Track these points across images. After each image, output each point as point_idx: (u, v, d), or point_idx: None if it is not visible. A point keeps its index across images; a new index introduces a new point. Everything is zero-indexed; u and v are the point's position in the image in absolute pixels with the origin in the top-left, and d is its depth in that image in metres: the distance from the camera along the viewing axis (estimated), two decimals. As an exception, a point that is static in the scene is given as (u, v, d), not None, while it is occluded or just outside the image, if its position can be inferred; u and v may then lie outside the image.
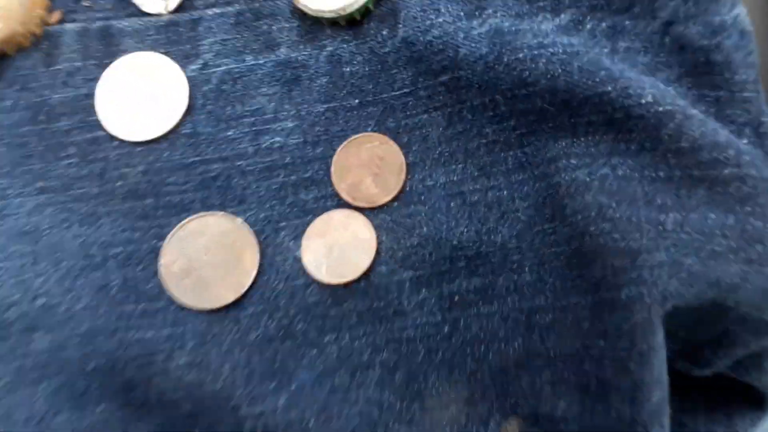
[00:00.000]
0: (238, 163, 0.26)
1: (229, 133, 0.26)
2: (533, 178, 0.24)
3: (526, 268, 0.24)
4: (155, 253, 0.26)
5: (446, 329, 0.25)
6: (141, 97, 0.27)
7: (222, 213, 0.27)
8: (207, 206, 0.27)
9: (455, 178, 0.25)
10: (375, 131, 0.26)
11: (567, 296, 0.23)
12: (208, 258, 0.29)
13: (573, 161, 0.26)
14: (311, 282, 0.25)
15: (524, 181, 0.24)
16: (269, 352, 0.25)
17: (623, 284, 0.21)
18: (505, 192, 0.25)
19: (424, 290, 0.25)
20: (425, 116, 0.26)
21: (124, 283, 0.25)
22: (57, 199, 0.24)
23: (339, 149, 0.29)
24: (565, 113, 0.23)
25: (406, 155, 0.26)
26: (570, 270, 0.23)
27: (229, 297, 0.26)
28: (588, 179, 0.22)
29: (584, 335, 0.23)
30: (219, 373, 0.24)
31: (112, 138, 0.26)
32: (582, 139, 0.26)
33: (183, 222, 0.29)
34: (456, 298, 0.25)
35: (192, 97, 0.26)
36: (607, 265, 0.21)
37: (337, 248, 0.28)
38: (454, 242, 0.24)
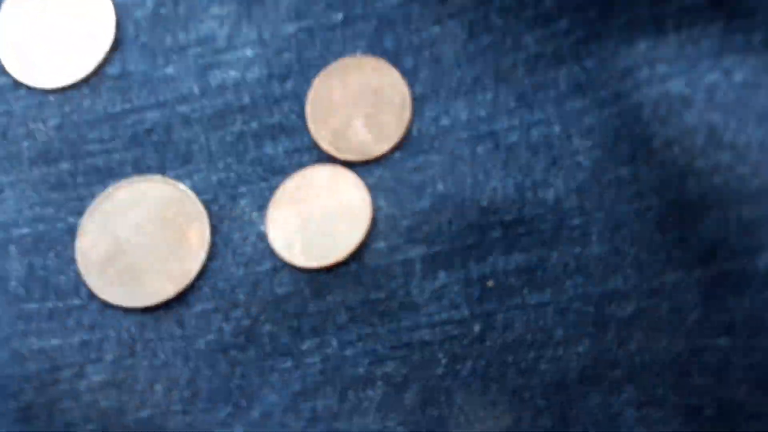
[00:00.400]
0: (181, 108, 0.20)
1: (169, 71, 0.21)
2: (599, 103, 0.17)
3: (594, 237, 0.17)
4: (72, 233, 0.21)
5: (476, 329, 0.18)
6: (53, 31, 0.22)
7: (161, 177, 0.21)
8: (141, 169, 0.21)
9: (483, 113, 0.18)
10: (367, 54, 0.20)
11: (661, 274, 0.15)
12: (141, 238, 0.21)
13: (661, 68, 0.17)
14: (281, 266, 0.20)
15: (585, 109, 0.18)
16: (224, 365, 0.18)
17: (760, 245, 0.12)
18: (557, 127, 0.18)
19: (442, 273, 0.18)
20: (437, 28, 0.20)
21: (29, 275, 0.20)
22: (-56, 167, 0.20)
23: (316, 82, 0.21)
24: (644, 1, 0.14)
25: (411, 85, 0.19)
26: (663, 234, 0.14)
27: (170, 290, 0.19)
28: (688, 91, 0.14)
29: (692, 332, 0.14)
30: (148, 395, 0.19)
31: (18, 85, 0.21)
32: (672, 35, 0.17)
33: (108, 190, 0.21)
34: (489, 283, 0.18)
35: (120, 28, 0.21)
36: (730, 219, 0.12)
37: (317, 219, 0.20)
38: (484, 203, 0.18)
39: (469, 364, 0.19)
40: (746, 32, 0.15)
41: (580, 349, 0.18)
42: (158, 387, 0.19)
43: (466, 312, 0.19)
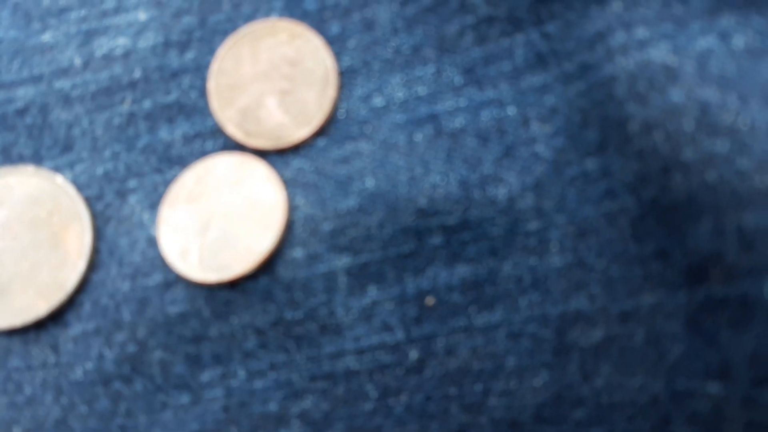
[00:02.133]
0: (59, 84, 0.17)
1: (46, 38, 0.17)
2: (563, 78, 0.14)
3: (554, 245, 0.14)
4: None
5: (413, 355, 0.15)
6: None
7: (33, 169, 0.17)
8: (11, 157, 0.17)
9: (423, 92, 0.16)
10: (283, 18, 0.16)
11: (635, 294, 0.11)
12: (7, 243, 0.17)
13: (640, 32, 0.13)
14: (174, 279, 0.16)
15: (546, 86, 0.15)
16: (106, 400, 0.15)
17: (766, 265, 0.08)
18: (511, 109, 0.15)
19: (372, 289, 0.15)
20: None
21: None
22: None
23: (221, 51, 0.17)
24: None
25: (337, 56, 0.16)
26: (639, 244, 0.11)
27: (41, 307, 0.16)
28: (674, 60, 0.10)
29: (674, 371, 0.10)
30: None
31: None
32: None
33: (-31, 185, 0.17)
34: (428, 300, 0.15)
35: None
36: (726, 228, 0.09)
37: (219, 220, 0.16)
38: (422, 203, 0.15)
39: (403, 398, 0.15)
40: None
41: (537, 382, 0.15)
42: (17, 430, 0.15)
43: (400, 335, 0.15)
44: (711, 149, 0.11)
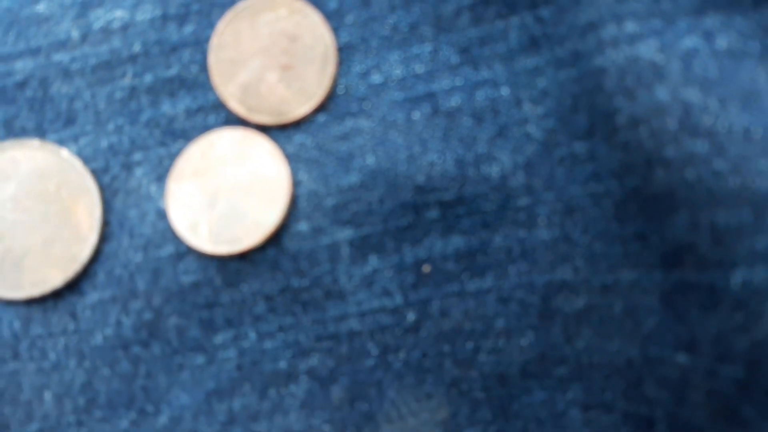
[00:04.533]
0: (58, 57, 0.17)
1: (40, 8, 0.17)
2: (555, 62, 0.15)
3: (542, 220, 0.15)
4: None
5: (411, 317, 0.16)
6: None
7: (38, 143, 0.17)
8: (14, 131, 0.17)
9: (420, 70, 0.16)
10: None
11: (615, 269, 0.13)
12: (18, 216, 0.17)
13: (630, 26, 0.14)
14: (186, 251, 0.16)
15: (539, 69, 0.15)
16: (125, 363, 0.16)
17: (735, 259, 0.10)
18: (505, 90, 0.16)
19: (372, 258, 0.16)
20: None
21: None
22: None
23: (221, 26, 0.17)
24: None
25: (335, 32, 0.16)
26: (621, 225, 0.12)
27: (57, 278, 0.16)
28: (661, 58, 0.11)
29: (648, 340, 0.12)
30: (35, 404, 0.16)
31: None
32: None
33: (-26, 158, 0.17)
34: (425, 268, 0.16)
35: None
36: (701, 223, 0.10)
37: (225, 195, 0.16)
38: (420, 180, 0.16)
39: (402, 355, 0.17)
40: None
41: (523, 341, 0.16)
42: (48, 395, 0.17)
43: (399, 300, 0.17)
44: (691, 149, 0.12)
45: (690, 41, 0.13)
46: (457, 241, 0.16)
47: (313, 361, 0.16)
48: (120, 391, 0.16)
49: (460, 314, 0.16)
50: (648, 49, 0.13)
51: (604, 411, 0.15)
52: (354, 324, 0.16)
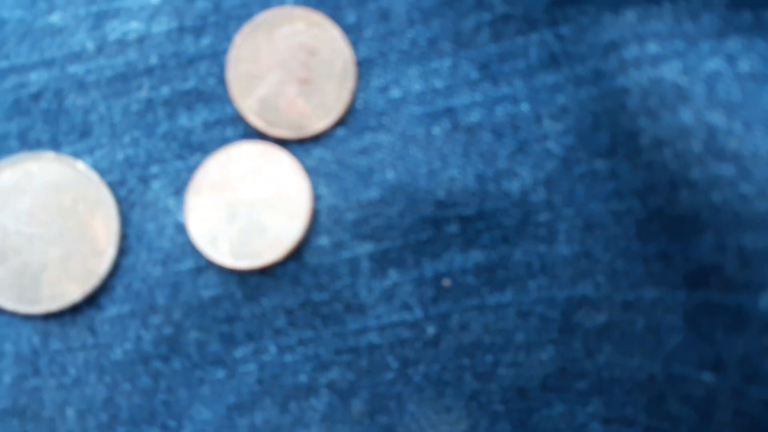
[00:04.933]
0: (73, 69, 0.17)
1: (54, 19, 0.17)
2: (575, 80, 0.15)
3: (562, 236, 0.15)
4: None
5: (430, 331, 0.16)
6: None
7: (53, 155, 0.17)
8: (29, 144, 0.17)
9: (440, 85, 0.16)
10: (299, 4, 0.16)
11: (637, 287, 0.13)
12: (34, 230, 0.17)
13: (652, 47, 0.14)
14: (206, 265, 0.16)
15: (559, 85, 0.15)
16: (147, 378, 0.16)
17: (763, 282, 0.10)
18: (525, 106, 0.16)
19: (392, 272, 0.16)
20: None
21: None
22: None
23: (238, 39, 0.17)
24: None
25: (354, 46, 0.16)
26: (644, 244, 0.12)
27: (75, 292, 0.16)
28: (685, 81, 0.11)
29: (671, 357, 0.12)
30: (58, 422, 0.16)
31: None
32: (667, 5, 0.14)
33: (-11, 172, 0.17)
34: (445, 282, 0.16)
35: None
36: (728, 246, 0.10)
37: (246, 209, 0.17)
38: (441, 196, 0.16)
39: (421, 368, 0.17)
40: (755, 7, 0.12)
41: (544, 355, 0.16)
42: (70, 411, 0.17)
43: (418, 313, 0.17)
44: (717, 172, 0.13)
45: (713, 64, 0.13)
46: (477, 256, 0.16)
47: (334, 374, 0.16)
48: (142, 406, 0.16)
49: (479, 328, 0.16)
50: (671, 71, 0.13)
51: (625, 425, 0.15)
52: (374, 337, 0.16)
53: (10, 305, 0.16)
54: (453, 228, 0.16)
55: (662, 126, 0.13)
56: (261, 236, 0.16)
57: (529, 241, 0.15)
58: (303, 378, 0.16)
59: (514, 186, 0.15)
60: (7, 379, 0.16)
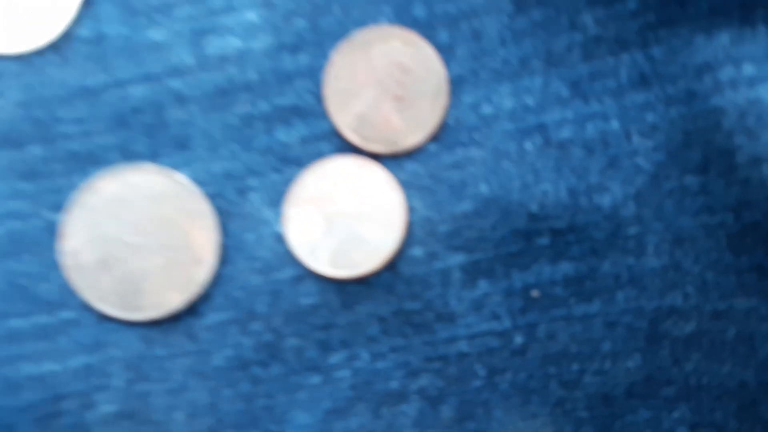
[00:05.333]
0: (173, 83, 0.17)
1: (155, 35, 0.17)
2: (666, 99, 0.16)
3: (651, 248, 0.16)
4: (53, 232, 0.17)
5: (518, 340, 0.17)
6: None
7: (154, 167, 0.17)
8: (129, 156, 0.17)
9: (531, 102, 0.16)
10: (394, 23, 0.17)
11: (729, 297, 0.13)
12: (137, 240, 0.18)
13: (748, 69, 0.15)
14: (305, 274, 0.17)
15: (649, 104, 0.16)
16: (246, 383, 0.17)
17: None
18: (615, 123, 0.16)
19: (483, 283, 0.17)
20: None
21: (7, 284, 0.17)
22: None
23: (335, 57, 0.18)
24: None
25: (447, 64, 0.17)
26: (736, 256, 0.13)
27: (176, 300, 0.17)
28: None
29: (764, 363, 0.12)
30: (169, 425, 0.17)
31: None
32: (763, 29, 0.15)
33: (92, 182, 0.18)
34: (533, 293, 0.17)
35: None
36: None
37: (343, 221, 0.17)
38: (533, 208, 0.16)
39: (508, 376, 0.18)
40: None
41: (630, 364, 0.17)
42: (178, 415, 0.17)
43: (507, 323, 0.18)
44: None
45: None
46: (566, 268, 0.17)
47: (423, 381, 0.17)
48: (243, 411, 0.17)
49: (566, 337, 0.17)
50: (768, 92, 0.14)
51: (713, 430, 0.16)
52: (463, 346, 0.17)
53: (114, 312, 0.17)
54: (544, 240, 0.16)
55: (760, 144, 0.14)
56: (359, 247, 0.17)
57: (617, 254, 0.16)
58: (394, 384, 0.17)
59: (604, 200, 0.16)
60: (118, 383, 0.17)
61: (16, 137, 0.17)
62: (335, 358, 0.17)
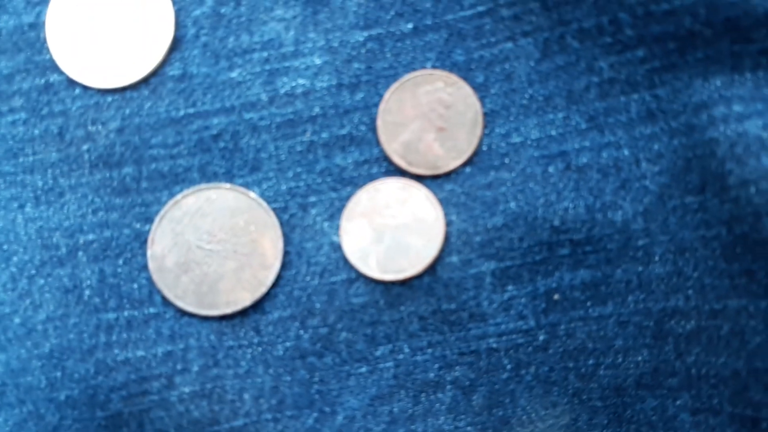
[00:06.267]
0: (248, 116, 0.20)
1: (233, 75, 0.20)
2: (669, 132, 0.17)
3: (657, 257, 0.17)
4: (141, 240, 0.20)
5: (541, 337, 0.18)
6: (109, 26, 0.21)
7: (229, 185, 0.20)
8: (208, 176, 0.20)
9: (554, 133, 0.18)
10: (437, 68, 0.19)
11: (723, 298, 0.16)
12: (213, 246, 0.21)
13: (737, 108, 0.18)
14: (356, 277, 0.19)
15: (655, 135, 0.18)
16: (304, 371, 0.19)
17: None
18: (626, 151, 0.18)
19: (511, 287, 0.19)
20: (509, 45, 0.19)
21: (101, 283, 0.20)
22: (1, 169, 0.19)
23: (387, 94, 0.21)
24: (725, 39, 0.15)
25: (482, 100, 0.19)
26: (729, 263, 0.15)
27: (246, 299, 0.20)
28: (765, 133, 0.15)
29: (753, 355, 0.15)
30: (239, 404, 0.19)
31: (73, 84, 0.20)
32: (749, 75, 0.18)
33: (176, 198, 0.21)
34: (555, 296, 0.18)
35: (179, 26, 0.20)
36: None
37: (390, 232, 0.20)
38: (556, 222, 0.18)
39: (532, 369, 0.20)
40: None
41: (639, 358, 0.20)
42: (246, 396, 0.20)
43: (532, 323, 0.20)
44: None
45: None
46: (583, 274, 0.19)
47: (457, 373, 0.20)
48: (301, 394, 0.20)
49: (583, 335, 0.19)
50: (754, 127, 0.17)
51: (711, 414, 0.18)
52: (492, 342, 0.20)
53: (192, 309, 0.20)
54: (564, 250, 0.19)
55: (748, 169, 0.17)
56: (404, 254, 0.20)
57: (628, 262, 0.19)
58: (431, 375, 0.20)
59: (617, 216, 0.19)
60: (195, 368, 0.20)
61: (112, 159, 0.20)
62: (381, 351, 0.19)
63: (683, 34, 0.17)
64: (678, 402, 0.18)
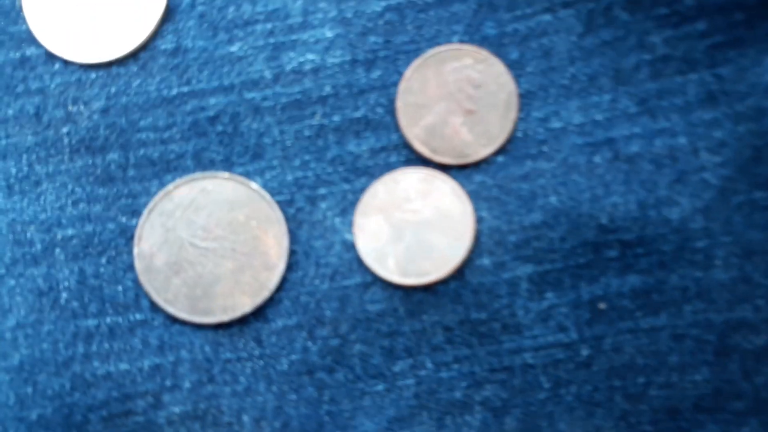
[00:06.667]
0: (250, 95, 0.18)
1: (233, 49, 0.18)
2: (733, 117, 0.16)
3: (719, 261, 0.16)
4: (127, 236, 0.18)
5: (584, 352, 0.17)
6: None
7: (228, 174, 0.18)
8: (203, 164, 0.18)
9: (600, 117, 0.17)
10: (465, 42, 0.18)
11: None
12: (209, 244, 0.19)
13: None
14: (372, 281, 0.17)
15: (716, 121, 0.16)
16: (312, 389, 0.17)
17: None
18: (682, 139, 0.16)
19: (550, 294, 0.17)
20: (548, 16, 0.17)
21: (81, 284, 0.17)
22: (-32, 153, 0.16)
23: (408, 72, 0.18)
24: None
25: (516, 80, 0.17)
26: None
27: (246, 304, 0.17)
28: None
29: None
30: (237, 427, 0.17)
31: (52, 58, 0.18)
32: None
33: (167, 188, 0.18)
34: (601, 305, 0.17)
35: None
36: None
37: (411, 229, 0.18)
38: (602, 220, 0.17)
39: (573, 389, 0.18)
40: None
41: (698, 377, 0.17)
42: (246, 417, 0.18)
43: (573, 335, 0.18)
44: None
45: None
46: (633, 280, 0.17)
47: (488, 392, 0.17)
48: (309, 416, 0.17)
49: (632, 350, 0.17)
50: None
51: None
52: (528, 357, 0.17)
53: (184, 315, 0.18)
54: (612, 252, 0.17)
55: None
56: (427, 255, 0.17)
57: (685, 267, 0.17)
58: (458, 394, 0.17)
59: (673, 213, 0.16)
60: (187, 384, 0.17)
61: (95, 144, 0.18)
62: (400, 366, 0.17)
63: (752, 3, 0.15)
64: (744, 429, 0.15)
